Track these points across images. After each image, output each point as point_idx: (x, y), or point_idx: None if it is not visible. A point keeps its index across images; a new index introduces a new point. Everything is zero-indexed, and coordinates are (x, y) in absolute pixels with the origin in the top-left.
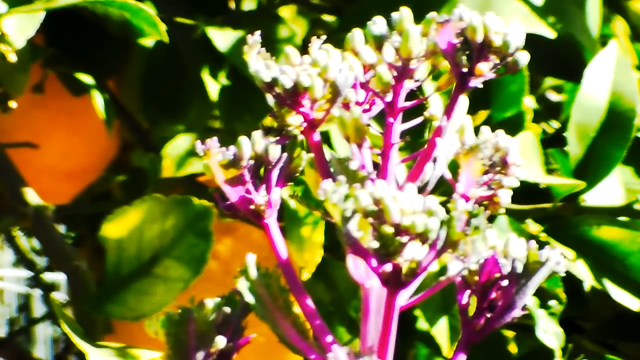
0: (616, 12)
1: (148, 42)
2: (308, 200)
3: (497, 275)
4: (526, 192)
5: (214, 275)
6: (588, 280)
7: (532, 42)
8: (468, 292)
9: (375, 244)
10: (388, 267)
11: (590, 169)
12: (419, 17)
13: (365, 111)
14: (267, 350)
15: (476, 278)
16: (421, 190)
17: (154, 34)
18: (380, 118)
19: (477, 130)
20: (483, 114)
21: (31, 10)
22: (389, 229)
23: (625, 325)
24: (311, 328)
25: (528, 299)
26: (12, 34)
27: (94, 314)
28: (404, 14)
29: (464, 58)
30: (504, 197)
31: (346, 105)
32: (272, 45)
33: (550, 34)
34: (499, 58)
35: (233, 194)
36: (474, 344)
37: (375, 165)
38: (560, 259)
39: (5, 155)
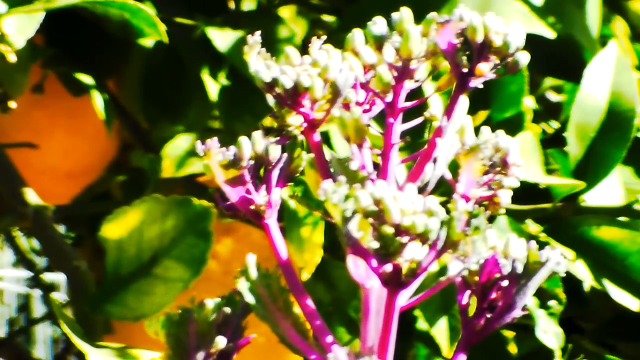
0: (616, 12)
1: (148, 42)
2: (308, 201)
3: (497, 275)
4: (526, 192)
5: (214, 275)
6: (588, 280)
7: (532, 42)
8: (468, 292)
9: (376, 244)
10: (388, 268)
11: (590, 169)
12: (419, 17)
13: (365, 111)
14: (267, 350)
15: (476, 278)
16: (421, 190)
17: (153, 34)
18: (381, 118)
19: (477, 130)
20: (483, 114)
21: (31, 10)
22: (389, 229)
23: (625, 325)
24: (311, 328)
25: (528, 299)
26: (12, 34)
27: (94, 314)
28: (404, 14)
29: (464, 58)
30: (504, 198)
31: (346, 106)
32: (272, 46)
33: (550, 34)
34: (499, 58)
35: (233, 194)
36: (474, 344)
37: (376, 165)
38: (560, 259)
39: (5, 155)
